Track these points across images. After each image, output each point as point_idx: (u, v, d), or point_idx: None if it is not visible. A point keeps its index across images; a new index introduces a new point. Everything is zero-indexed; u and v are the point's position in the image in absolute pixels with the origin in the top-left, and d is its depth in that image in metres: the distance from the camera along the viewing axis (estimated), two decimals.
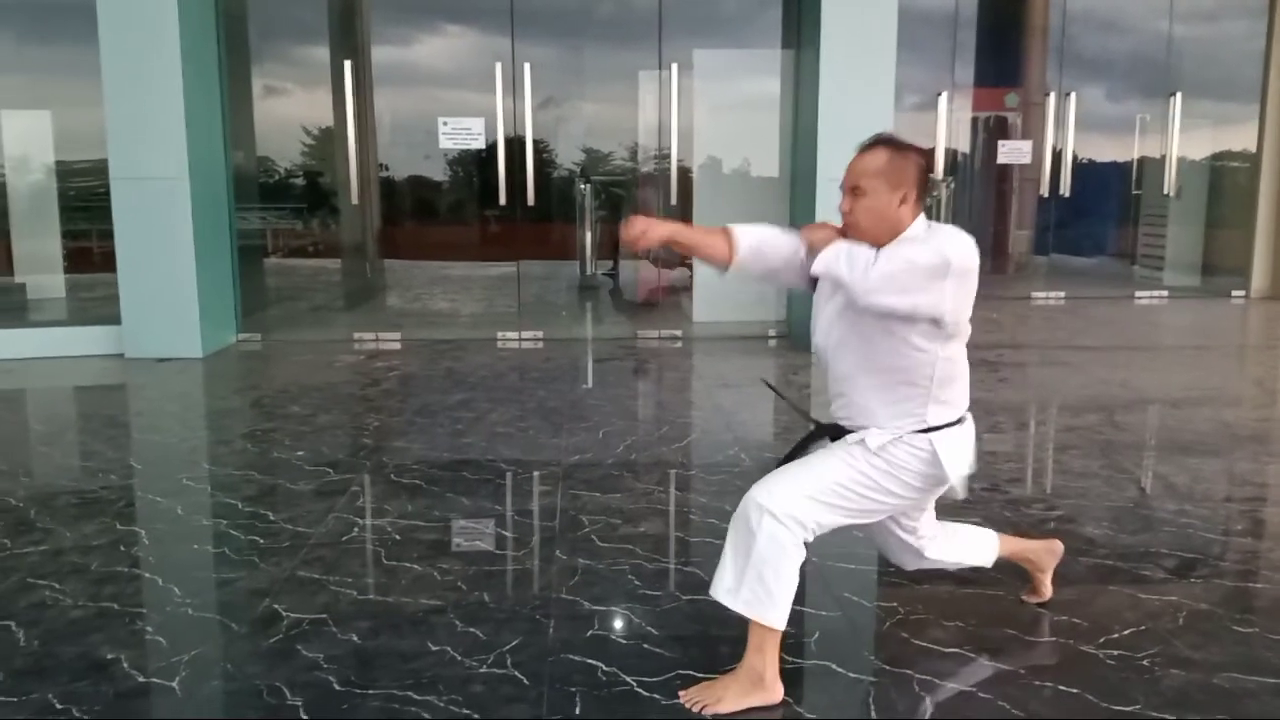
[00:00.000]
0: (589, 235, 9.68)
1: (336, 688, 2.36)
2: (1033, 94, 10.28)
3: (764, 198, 7.97)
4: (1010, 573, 2.92)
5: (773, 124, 7.94)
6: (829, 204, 6.63)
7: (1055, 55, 10.21)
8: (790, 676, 2.37)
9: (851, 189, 2.26)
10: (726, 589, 2.26)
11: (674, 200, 7.98)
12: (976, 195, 10.99)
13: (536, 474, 4.16)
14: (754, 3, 8.71)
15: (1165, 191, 9.73)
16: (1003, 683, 2.39)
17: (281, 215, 9.67)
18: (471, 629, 2.67)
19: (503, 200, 7.92)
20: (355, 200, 8.22)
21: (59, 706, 2.28)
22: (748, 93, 8.34)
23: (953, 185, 9.50)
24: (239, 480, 4.09)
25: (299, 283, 10.04)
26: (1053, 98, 9.39)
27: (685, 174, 8.18)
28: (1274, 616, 2.75)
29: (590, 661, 2.48)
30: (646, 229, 2.27)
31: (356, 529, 3.49)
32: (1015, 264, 11.18)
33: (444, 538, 3.42)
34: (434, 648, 2.56)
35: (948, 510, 2.76)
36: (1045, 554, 2.81)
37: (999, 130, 10.42)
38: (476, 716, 2.23)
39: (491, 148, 7.84)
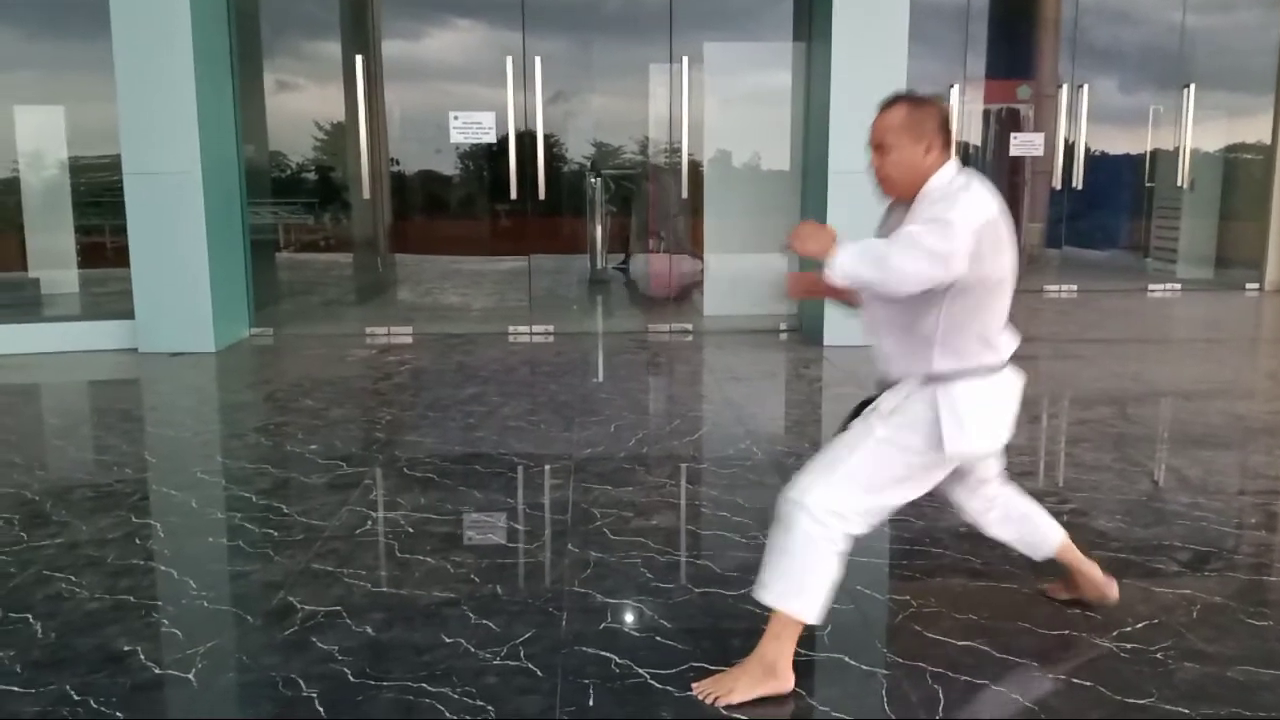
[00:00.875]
0: (600, 229, 9.68)
1: (351, 679, 2.37)
2: (1045, 86, 10.22)
3: (775, 191, 7.95)
4: (1023, 566, 2.92)
5: (783, 117, 7.92)
6: (840, 197, 6.68)
7: (1068, 47, 10.15)
8: (803, 669, 2.37)
9: (877, 146, 2.34)
10: (761, 584, 2.31)
11: (685, 194, 7.97)
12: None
13: (548, 467, 4.17)
14: None
15: (1178, 184, 9.68)
16: (1016, 676, 2.39)
17: (293, 210, 9.69)
18: (485, 621, 2.68)
19: (513, 194, 7.91)
20: (367, 195, 8.22)
21: (76, 698, 2.29)
22: (758, 86, 8.32)
23: None
24: (253, 474, 4.11)
25: (311, 277, 10.06)
26: (1065, 90, 9.35)
27: (696, 167, 8.16)
28: None
29: (603, 654, 2.49)
30: (814, 233, 2.23)
31: (370, 522, 3.50)
32: (1028, 257, 11.10)
33: (457, 531, 3.43)
34: (448, 640, 2.57)
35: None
36: (1094, 588, 2.69)
37: (1011, 122, 10.36)
38: (490, 708, 2.24)
39: (502, 142, 7.84)
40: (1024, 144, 9.42)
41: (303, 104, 9.61)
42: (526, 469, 4.16)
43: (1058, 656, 2.49)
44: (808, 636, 2.54)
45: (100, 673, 2.41)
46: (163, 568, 3.12)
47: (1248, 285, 9.77)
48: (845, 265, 2.16)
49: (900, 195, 2.37)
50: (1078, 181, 9.25)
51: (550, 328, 7.78)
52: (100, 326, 7.08)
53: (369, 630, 2.63)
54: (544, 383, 5.94)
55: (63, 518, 3.56)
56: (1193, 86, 9.37)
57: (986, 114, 10.62)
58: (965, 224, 2.15)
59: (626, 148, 10.09)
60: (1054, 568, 2.78)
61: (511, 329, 7.72)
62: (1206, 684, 2.33)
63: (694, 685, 2.32)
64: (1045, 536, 2.66)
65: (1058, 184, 9.35)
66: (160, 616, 2.74)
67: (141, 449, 4.59)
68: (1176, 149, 9.59)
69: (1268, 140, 9.72)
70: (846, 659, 2.46)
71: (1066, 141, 9.26)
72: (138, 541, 3.33)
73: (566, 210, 9.84)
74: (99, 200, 7.97)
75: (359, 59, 7.82)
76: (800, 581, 2.25)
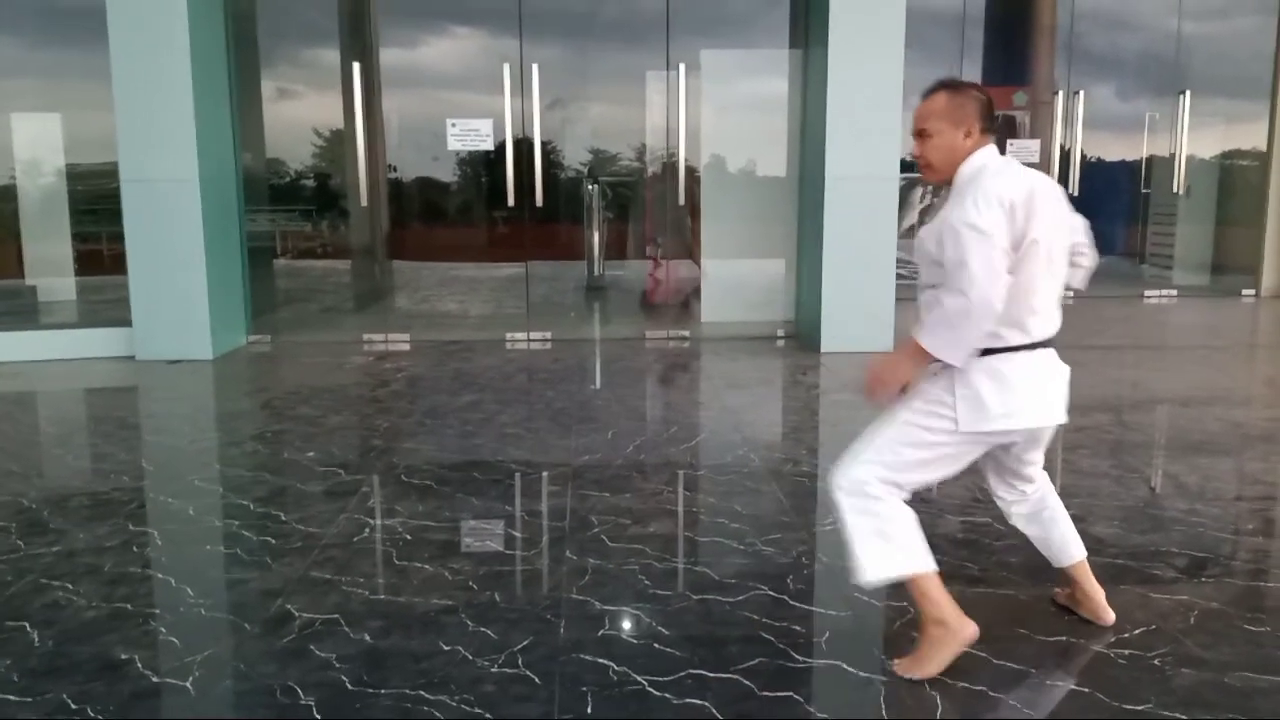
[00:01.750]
0: (597, 236, 9.68)
1: (349, 687, 2.37)
2: (1041, 92, 10.25)
3: (771, 198, 7.97)
4: (1021, 572, 2.92)
5: (780, 124, 7.93)
6: (837, 204, 6.68)
7: (1064, 53, 10.18)
8: (800, 676, 2.37)
9: (919, 133, 2.42)
10: (860, 569, 2.37)
11: (681, 201, 7.98)
12: None
13: (546, 474, 4.17)
14: (761, 3, 8.69)
15: (1174, 190, 9.71)
16: (1014, 682, 2.39)
17: (291, 217, 9.69)
18: (483, 629, 2.68)
19: (511, 201, 7.92)
20: (364, 202, 8.24)
21: (74, 706, 2.29)
22: (755, 93, 8.33)
23: None
24: (250, 481, 4.11)
25: (309, 284, 10.06)
26: (1061, 96, 9.38)
27: (693, 174, 8.18)
28: None
29: (601, 661, 2.49)
30: (883, 373, 2.36)
31: (367, 529, 3.50)
32: None
33: (454, 538, 3.43)
34: (445, 647, 2.57)
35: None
36: (1093, 611, 2.68)
37: (1007, 129, 10.38)
38: (488, 716, 2.24)
39: (499, 149, 7.86)
40: (1020, 150, 9.42)
41: (301, 111, 9.62)
42: (524, 476, 4.16)
43: (1055, 663, 2.49)
44: (805, 643, 2.54)
45: (98, 681, 2.41)
46: (160, 575, 3.12)
47: (1244, 291, 9.79)
48: (943, 352, 2.28)
49: (941, 179, 2.44)
50: (1073, 188, 9.25)
51: (548, 334, 7.78)
52: (97, 334, 7.09)
53: (367, 638, 2.63)
54: (541, 389, 5.95)
55: (60, 526, 3.55)
56: (1188, 93, 9.41)
57: None
58: (986, 203, 2.23)
59: (623, 155, 10.11)
60: (1058, 575, 2.79)
61: (509, 336, 7.72)
62: (1203, 690, 2.33)
63: (895, 663, 2.40)
64: (1064, 548, 2.66)
65: None
66: (158, 624, 2.74)
67: (139, 456, 4.58)
68: (1172, 155, 9.63)
69: (1263, 147, 9.76)
70: (844, 665, 2.46)
71: (1062, 148, 9.29)
72: (135, 549, 3.32)
73: (564, 217, 9.86)
74: (96, 208, 7.96)
75: (357, 66, 7.84)
76: (883, 547, 2.33)
